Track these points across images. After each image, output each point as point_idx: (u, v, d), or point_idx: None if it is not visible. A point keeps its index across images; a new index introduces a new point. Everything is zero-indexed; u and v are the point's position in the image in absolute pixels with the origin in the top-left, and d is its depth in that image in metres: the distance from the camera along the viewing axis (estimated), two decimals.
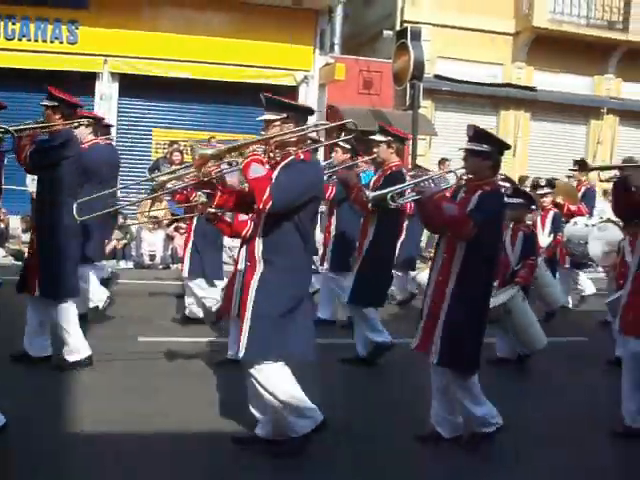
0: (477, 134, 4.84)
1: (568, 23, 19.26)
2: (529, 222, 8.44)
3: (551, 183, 10.39)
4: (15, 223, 13.66)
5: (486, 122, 19.27)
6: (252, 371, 4.36)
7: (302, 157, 4.41)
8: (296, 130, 4.40)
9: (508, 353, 7.46)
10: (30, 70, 14.86)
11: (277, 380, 4.37)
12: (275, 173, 4.31)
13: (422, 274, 9.07)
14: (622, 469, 5.08)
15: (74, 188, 6.09)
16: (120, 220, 11.86)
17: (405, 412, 5.63)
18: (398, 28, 18.18)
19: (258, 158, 4.23)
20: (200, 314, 8.30)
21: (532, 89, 19.59)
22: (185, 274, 8.09)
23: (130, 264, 13.16)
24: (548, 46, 19.11)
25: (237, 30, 16.31)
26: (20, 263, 9.23)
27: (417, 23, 17.85)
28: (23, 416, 4.80)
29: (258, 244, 4.39)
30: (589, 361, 7.66)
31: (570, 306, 10.82)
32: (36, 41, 15.44)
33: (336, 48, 18.26)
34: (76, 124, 6.42)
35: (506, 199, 7.80)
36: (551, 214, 9.92)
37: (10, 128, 5.82)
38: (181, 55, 15.94)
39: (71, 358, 6.19)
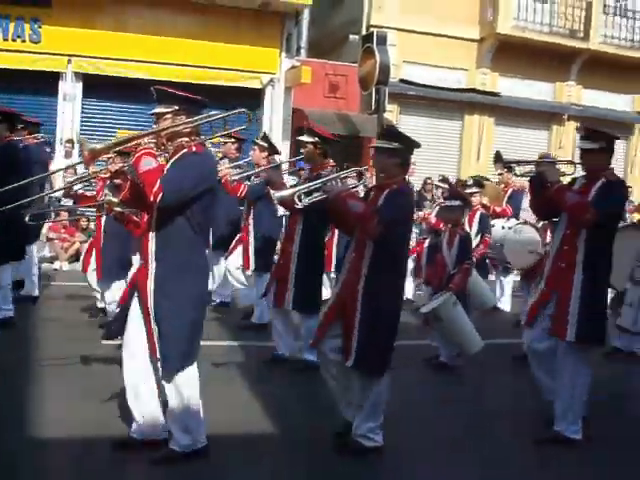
0: (387, 132, 4.90)
1: (531, 30, 19.57)
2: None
3: (479, 182, 10.20)
4: None
5: (451, 126, 19.58)
6: (174, 378, 4.31)
7: (194, 149, 4.31)
8: (188, 121, 4.32)
9: (448, 357, 7.44)
10: None
11: (191, 387, 4.37)
12: (167, 166, 4.25)
13: None
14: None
15: None
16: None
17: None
18: (364, 32, 18.30)
19: (149, 151, 4.17)
20: None
21: (496, 94, 19.89)
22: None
23: None
24: (512, 52, 19.40)
25: (203, 32, 16.28)
26: None
27: (383, 28, 17.97)
28: None
29: (151, 240, 4.28)
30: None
31: (507, 308, 10.85)
32: None
33: (302, 51, 18.29)
34: None
35: (444, 202, 7.96)
36: (478, 214, 9.77)
37: None
38: (147, 56, 15.83)
39: None
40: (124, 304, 4.49)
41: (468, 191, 9.59)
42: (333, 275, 8.87)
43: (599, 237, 5.19)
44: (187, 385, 4.33)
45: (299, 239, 6.63)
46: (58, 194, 9.50)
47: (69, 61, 15.61)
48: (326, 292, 8.84)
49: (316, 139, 6.67)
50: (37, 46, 15.40)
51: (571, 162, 5.61)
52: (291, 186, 6.31)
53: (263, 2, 16.41)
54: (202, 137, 4.52)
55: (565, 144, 20.82)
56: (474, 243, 9.20)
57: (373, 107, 16.79)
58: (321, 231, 6.97)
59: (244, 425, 5.20)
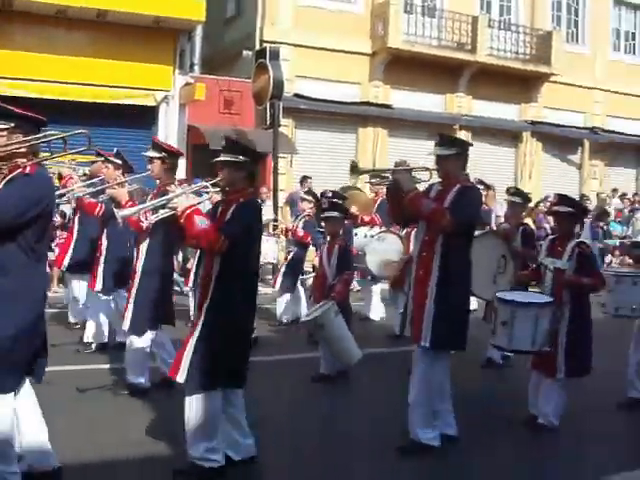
0: (231, 145, 4.80)
1: (421, 44, 20.18)
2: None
3: (340, 195, 10.17)
4: None
5: (345, 139, 19.91)
6: None
7: (28, 170, 4.09)
8: (22, 140, 4.10)
9: (329, 369, 7.44)
10: None
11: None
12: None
13: None
14: None
15: None
16: None
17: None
18: (257, 48, 18.39)
19: None
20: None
21: (389, 107, 20.36)
22: None
23: None
24: (403, 66, 19.96)
25: (95, 49, 16.09)
26: None
27: (276, 43, 18.09)
28: None
29: None
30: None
31: (376, 317, 10.87)
32: None
33: (196, 68, 18.27)
34: None
35: (325, 213, 7.93)
36: (302, 221, 9.89)
37: None
38: (35, 74, 15.55)
39: None
40: None
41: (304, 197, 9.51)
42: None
43: (455, 243, 5.27)
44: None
45: (144, 258, 6.48)
46: None
47: None
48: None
49: (163, 154, 6.51)
50: None
51: (427, 169, 5.66)
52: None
53: (155, 19, 16.34)
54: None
55: None
56: None
57: (268, 122, 16.83)
58: (168, 249, 6.72)
59: None
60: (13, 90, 15.20)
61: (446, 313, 5.21)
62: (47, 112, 15.14)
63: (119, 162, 7.71)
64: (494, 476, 5.23)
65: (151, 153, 6.54)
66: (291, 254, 10.22)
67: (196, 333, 4.65)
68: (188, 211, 4.57)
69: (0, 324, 3.95)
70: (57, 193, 6.69)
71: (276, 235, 11.07)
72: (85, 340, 8.39)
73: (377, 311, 11.01)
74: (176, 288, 9.58)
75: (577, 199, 6.28)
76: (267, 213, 12.45)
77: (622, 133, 24.50)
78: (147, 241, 6.46)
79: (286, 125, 18.35)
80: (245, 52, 18.78)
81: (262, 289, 13.36)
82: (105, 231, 7.86)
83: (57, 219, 11.75)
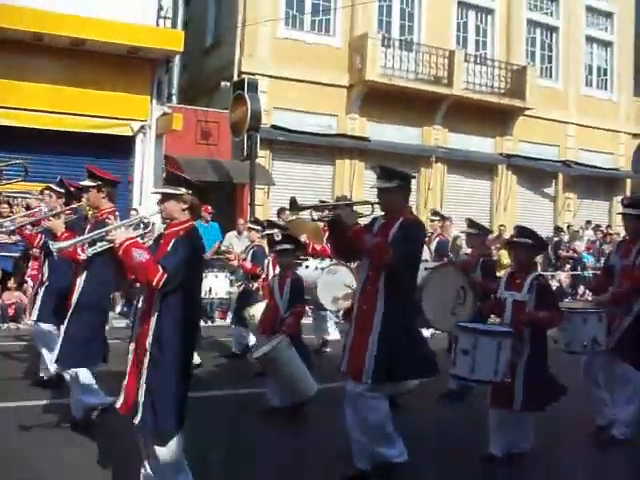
0: (171, 179, 4.73)
1: (398, 77, 20.36)
2: None
3: (276, 224, 9.95)
4: None
5: (322, 171, 19.95)
6: None
7: None
8: None
9: (280, 402, 7.27)
10: None
11: None
12: None
13: None
14: None
15: None
16: None
17: None
18: (235, 79, 18.43)
19: None
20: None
21: (365, 139, 20.44)
22: None
23: None
24: (380, 99, 20.10)
25: (71, 78, 15.87)
26: None
27: (254, 74, 18.22)
28: None
29: None
30: None
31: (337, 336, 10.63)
32: None
33: (173, 98, 18.25)
34: None
35: (277, 246, 7.85)
36: (252, 249, 9.77)
37: None
38: (10, 102, 15.36)
39: None
40: None
41: (269, 232, 9.30)
42: None
43: (399, 278, 5.15)
44: None
45: (80, 291, 6.26)
46: None
47: None
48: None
49: (99, 182, 6.29)
50: None
51: (368, 202, 5.55)
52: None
53: (133, 48, 16.26)
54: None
55: (433, 185, 21.60)
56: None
57: (245, 153, 16.88)
58: (105, 283, 6.44)
59: None
60: None
61: (389, 349, 5.10)
62: (20, 141, 15.03)
63: (61, 190, 7.45)
64: None
65: (86, 182, 6.33)
66: (242, 287, 10.13)
67: (144, 374, 4.46)
68: (126, 244, 4.43)
69: None
70: None
71: (227, 270, 10.98)
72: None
73: (334, 333, 10.88)
74: None
75: (536, 231, 6.24)
76: (243, 245, 12.37)
77: (594, 166, 24.88)
78: (84, 274, 6.25)
79: (263, 156, 18.37)
80: (223, 83, 18.79)
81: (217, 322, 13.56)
82: (47, 261, 7.61)
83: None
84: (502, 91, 22.32)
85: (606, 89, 26.22)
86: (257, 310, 8.55)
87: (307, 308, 10.47)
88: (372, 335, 5.14)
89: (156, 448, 4.43)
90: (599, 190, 25.82)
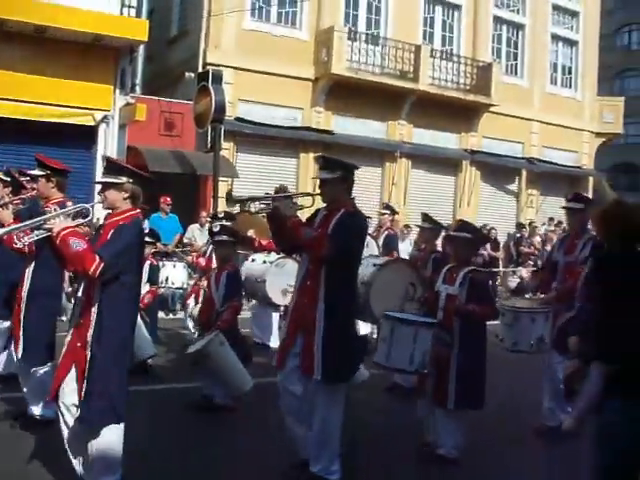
0: (112, 166, 4.68)
1: (364, 71, 20.38)
2: None
3: (230, 215, 9.68)
4: None
5: (286, 164, 19.92)
6: None
7: None
8: None
9: (223, 398, 7.14)
10: None
11: None
12: None
13: None
14: None
15: None
16: None
17: None
18: (200, 70, 18.31)
19: None
20: None
21: (330, 132, 20.46)
22: None
23: None
24: (346, 92, 20.11)
25: (32, 66, 15.60)
26: None
27: (219, 66, 18.10)
28: None
29: None
30: None
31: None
32: None
33: (137, 88, 18.04)
34: None
35: (215, 237, 7.68)
36: None
37: None
38: None
39: None
40: None
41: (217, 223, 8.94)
42: None
43: (340, 271, 5.07)
44: None
45: (29, 282, 6.10)
46: None
47: None
48: None
49: (48, 172, 6.13)
50: None
51: (309, 194, 5.52)
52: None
53: (96, 37, 16.06)
54: None
55: (398, 180, 21.68)
56: None
57: (209, 145, 16.79)
58: (55, 272, 6.18)
59: None
60: None
61: (335, 345, 5.02)
62: None
63: (7, 179, 7.20)
64: None
65: (36, 171, 6.20)
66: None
67: (85, 364, 4.42)
68: (63, 233, 4.36)
69: None
70: None
71: (185, 261, 10.88)
72: None
73: (276, 339, 10.54)
74: None
75: (478, 226, 6.23)
76: (205, 238, 12.31)
77: (557, 164, 25.19)
78: (33, 264, 6.09)
79: (227, 148, 18.30)
80: (187, 74, 18.64)
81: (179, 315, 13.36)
82: None
83: None
84: (467, 87, 22.45)
85: (570, 87, 26.51)
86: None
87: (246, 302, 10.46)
88: (316, 334, 5.04)
89: (92, 442, 4.40)
90: (562, 187, 25.93)
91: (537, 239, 20.38)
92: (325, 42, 20.10)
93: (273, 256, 9.32)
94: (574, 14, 26.60)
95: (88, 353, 4.43)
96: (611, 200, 4.24)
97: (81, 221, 4.82)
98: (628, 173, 43.41)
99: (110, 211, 4.71)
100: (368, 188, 20.63)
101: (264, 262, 9.26)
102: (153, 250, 10.28)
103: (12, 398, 6.74)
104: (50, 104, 15.90)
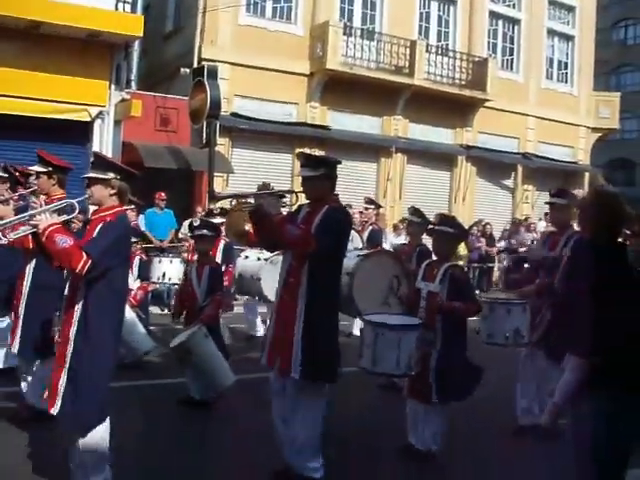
0: (100, 162, 4.69)
1: (359, 66, 20.36)
2: None
3: (225, 211, 9.43)
4: None
5: (282, 159, 19.91)
6: None
7: None
8: None
9: (198, 393, 7.16)
10: None
11: None
12: None
13: None
14: None
15: None
16: None
17: None
18: (195, 66, 18.30)
19: None
20: None
21: (326, 128, 20.45)
22: None
23: None
24: (341, 87, 20.07)
25: (27, 61, 15.59)
26: None
27: (215, 61, 18.07)
28: None
29: None
30: None
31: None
32: None
33: (132, 84, 17.96)
34: None
35: (195, 231, 7.72)
36: (222, 243, 9.37)
37: None
38: None
39: None
40: None
41: (214, 221, 9.08)
42: None
43: (323, 268, 5.06)
44: None
45: (30, 278, 6.17)
46: None
47: None
48: None
49: (49, 169, 6.17)
50: None
51: (292, 191, 5.53)
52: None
53: (91, 32, 16.03)
54: None
55: (393, 176, 21.69)
56: None
57: (204, 141, 16.82)
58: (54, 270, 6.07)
59: None
60: None
61: (315, 343, 5.02)
62: None
63: (5, 175, 7.28)
64: None
65: (37, 167, 6.22)
66: None
67: (66, 363, 4.42)
68: (49, 229, 4.34)
69: None
70: None
71: (182, 255, 10.88)
72: None
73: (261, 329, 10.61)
74: None
75: (458, 219, 6.20)
76: None
77: (553, 159, 25.18)
78: (33, 261, 6.13)
79: (222, 144, 18.30)
80: (183, 70, 18.63)
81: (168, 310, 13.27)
82: None
83: None
84: (463, 82, 22.42)
85: (566, 82, 26.51)
86: None
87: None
88: (296, 332, 5.04)
89: (79, 440, 4.40)
90: (558, 183, 25.93)
91: (532, 235, 20.42)
92: (320, 37, 20.07)
93: (267, 253, 9.29)
94: (570, 9, 26.59)
95: (70, 349, 4.41)
96: (594, 189, 4.20)
97: (66, 217, 4.79)
98: (624, 168, 43.49)
99: (96, 207, 4.71)
100: (363, 183, 20.69)
101: (258, 259, 9.19)
102: (147, 245, 10.31)
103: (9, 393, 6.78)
104: (45, 100, 15.88)
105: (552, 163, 25.09)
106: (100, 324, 4.42)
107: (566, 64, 26.59)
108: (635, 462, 4.14)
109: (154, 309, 10.94)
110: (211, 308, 7.20)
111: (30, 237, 5.60)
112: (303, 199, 5.41)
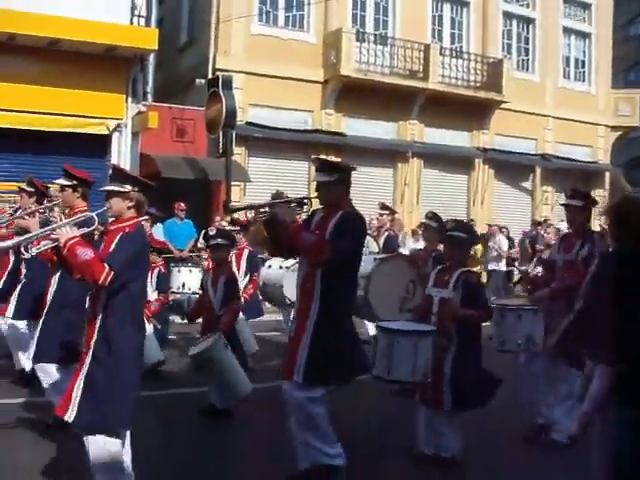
0: (118, 175, 4.74)
1: (373, 72, 20.44)
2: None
3: (238, 222, 9.75)
4: None
5: (298, 167, 19.98)
6: None
7: None
8: None
9: (219, 402, 7.17)
10: None
11: None
12: None
13: None
14: None
15: None
16: None
17: None
18: (210, 76, 18.46)
19: None
20: None
21: (341, 134, 20.51)
22: None
23: None
24: (356, 94, 20.13)
25: (46, 77, 15.84)
26: None
27: (229, 71, 18.23)
28: None
29: None
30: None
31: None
32: None
33: (149, 96, 18.18)
34: None
35: (210, 241, 7.77)
36: (246, 252, 9.42)
37: None
38: None
39: None
40: None
41: (231, 228, 9.14)
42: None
43: (337, 273, 5.07)
44: None
45: (55, 289, 6.25)
46: None
47: None
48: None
49: (74, 182, 6.24)
50: None
51: (305, 198, 5.57)
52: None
53: (108, 47, 16.25)
54: None
55: (410, 180, 21.68)
56: (242, 283, 9.05)
57: (221, 150, 16.97)
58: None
59: None
60: None
61: (322, 348, 5.03)
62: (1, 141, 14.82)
63: (32, 189, 7.49)
64: None
65: (62, 181, 6.33)
66: None
67: (84, 371, 4.49)
68: (70, 243, 4.40)
69: None
70: None
71: (201, 265, 10.96)
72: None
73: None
74: None
75: (471, 225, 6.15)
76: None
77: (572, 159, 24.98)
78: (58, 273, 6.19)
79: (239, 153, 18.44)
80: (198, 80, 18.78)
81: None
82: (24, 261, 7.49)
83: None
84: (478, 84, 22.37)
85: (584, 81, 26.29)
86: None
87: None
88: (305, 335, 5.10)
89: (91, 446, 4.46)
90: (577, 183, 25.79)
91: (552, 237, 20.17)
92: (333, 44, 20.16)
93: (290, 262, 9.26)
94: (586, 6, 26.32)
95: (89, 359, 4.49)
96: (624, 196, 4.12)
97: (86, 230, 4.86)
98: None
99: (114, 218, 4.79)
100: (380, 189, 20.71)
101: (280, 267, 9.27)
102: (167, 255, 10.40)
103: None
104: (64, 115, 16.15)
105: (571, 163, 24.86)
106: (121, 335, 4.48)
107: (583, 62, 26.36)
108: None
109: (175, 318, 11.00)
110: (228, 316, 7.25)
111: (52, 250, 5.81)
112: (317, 204, 5.46)
